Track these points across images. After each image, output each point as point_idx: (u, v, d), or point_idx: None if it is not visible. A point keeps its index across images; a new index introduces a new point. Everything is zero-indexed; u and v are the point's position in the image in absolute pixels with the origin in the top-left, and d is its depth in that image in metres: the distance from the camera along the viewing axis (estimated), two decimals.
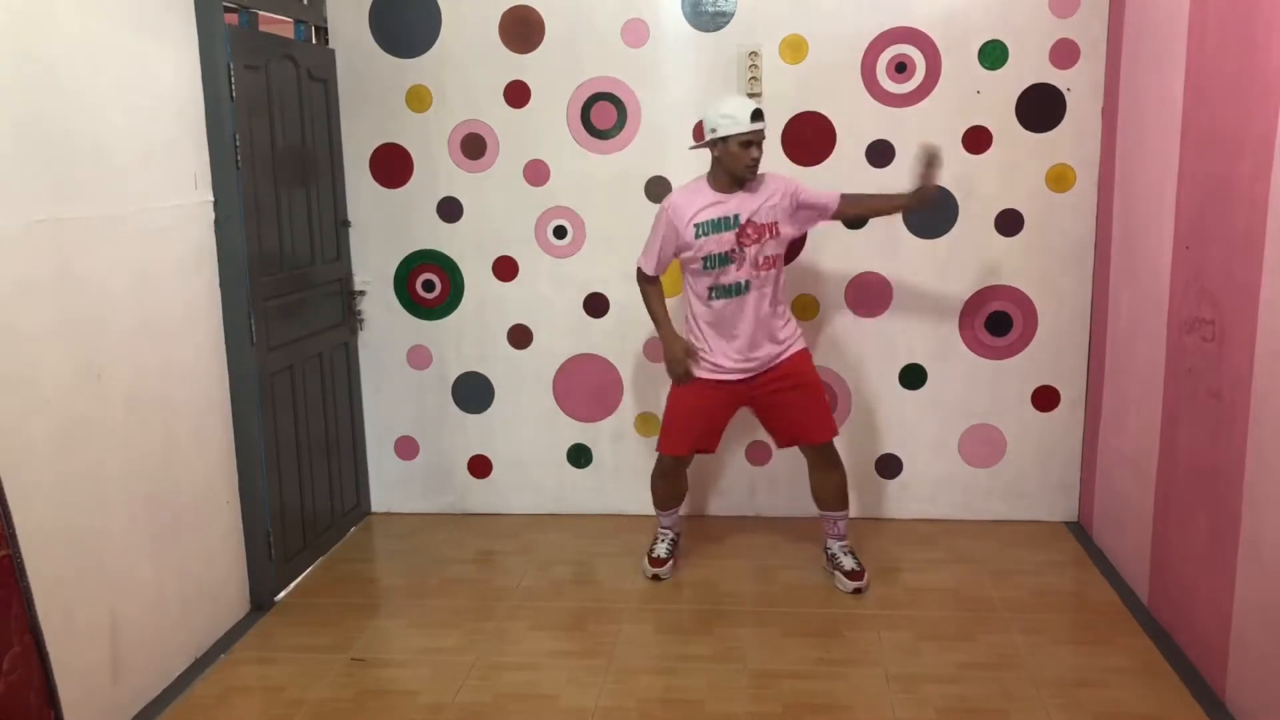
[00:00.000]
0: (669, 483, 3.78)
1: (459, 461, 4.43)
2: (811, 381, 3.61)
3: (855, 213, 3.66)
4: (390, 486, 4.48)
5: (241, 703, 3.03)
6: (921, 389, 4.18)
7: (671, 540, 3.85)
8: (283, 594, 3.71)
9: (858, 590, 3.61)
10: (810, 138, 4.01)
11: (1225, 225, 2.83)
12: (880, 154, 3.99)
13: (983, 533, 4.13)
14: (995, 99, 3.92)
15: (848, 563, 3.69)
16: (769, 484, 4.32)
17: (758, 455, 4.30)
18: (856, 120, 3.98)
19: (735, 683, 3.06)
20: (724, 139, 3.36)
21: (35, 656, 2.23)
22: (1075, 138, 3.92)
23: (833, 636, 3.32)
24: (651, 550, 3.83)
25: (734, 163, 3.38)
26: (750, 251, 3.44)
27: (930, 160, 3.42)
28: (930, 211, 3.90)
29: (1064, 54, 3.87)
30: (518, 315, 4.28)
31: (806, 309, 4.15)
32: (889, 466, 4.26)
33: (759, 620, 3.45)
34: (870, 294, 4.12)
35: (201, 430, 3.28)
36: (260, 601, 3.59)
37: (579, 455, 4.37)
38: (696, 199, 3.47)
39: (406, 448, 4.43)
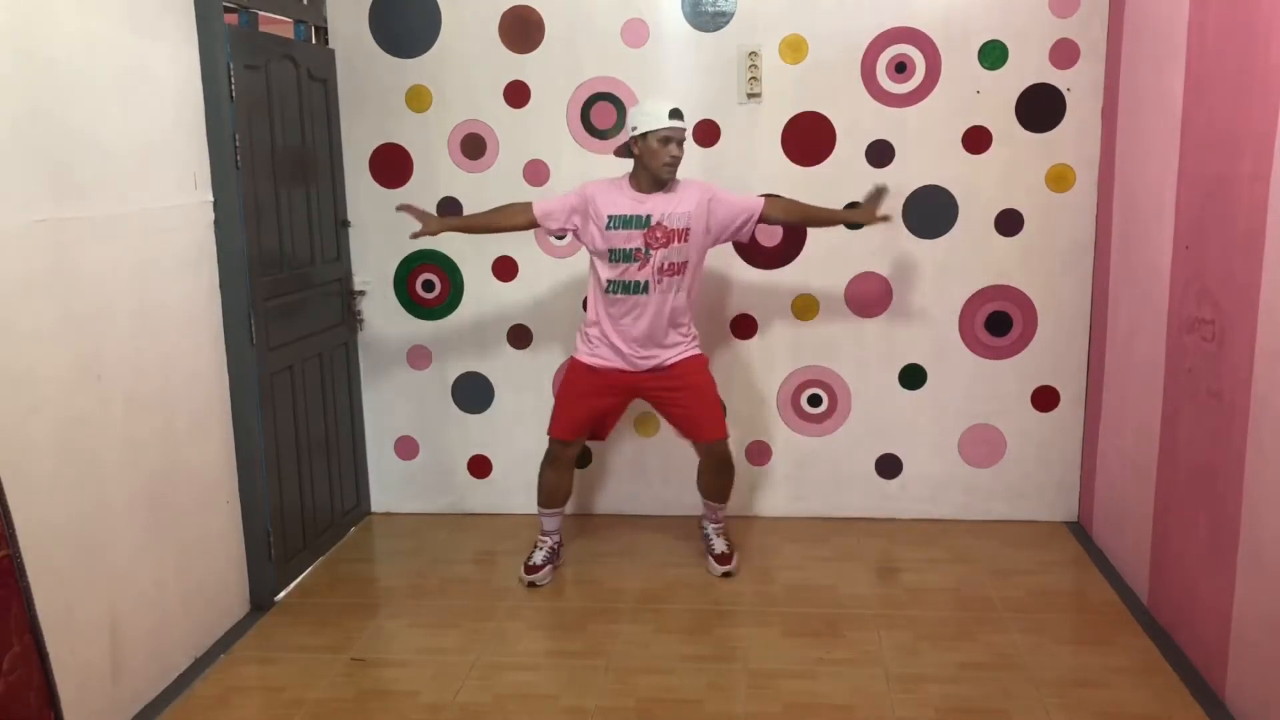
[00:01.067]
0: (555, 472, 3.76)
1: (459, 461, 4.43)
2: (700, 383, 3.65)
3: (783, 219, 3.66)
4: (390, 486, 4.48)
5: (241, 703, 3.03)
6: (921, 389, 4.18)
7: (550, 549, 3.82)
8: (283, 594, 3.70)
9: (726, 574, 3.74)
10: (810, 138, 4.01)
11: (1225, 225, 2.83)
12: (880, 154, 3.99)
13: (983, 533, 4.13)
14: (995, 99, 3.92)
15: (719, 545, 3.82)
16: (769, 484, 4.32)
17: (758, 455, 4.30)
18: (856, 120, 3.98)
19: (735, 683, 3.06)
20: (643, 135, 3.42)
21: (35, 656, 2.23)
22: (1075, 138, 3.92)
23: (833, 636, 3.32)
24: (529, 557, 3.80)
25: (653, 160, 3.43)
26: (656, 255, 3.47)
27: (879, 194, 3.54)
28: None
29: (1064, 54, 3.87)
30: (518, 315, 4.28)
31: (807, 309, 4.15)
32: (889, 466, 4.26)
33: (759, 620, 3.45)
34: (870, 294, 4.12)
35: (201, 430, 3.28)
36: (260, 601, 3.58)
37: (579, 455, 4.36)
38: (616, 194, 3.52)
39: (406, 448, 4.43)
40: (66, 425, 2.64)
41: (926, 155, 3.98)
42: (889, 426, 4.22)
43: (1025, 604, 3.52)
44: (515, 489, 4.41)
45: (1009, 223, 4.02)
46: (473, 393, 4.36)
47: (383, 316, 4.31)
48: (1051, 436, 4.16)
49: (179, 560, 3.15)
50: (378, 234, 4.25)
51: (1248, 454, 2.70)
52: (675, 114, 3.42)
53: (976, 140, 3.96)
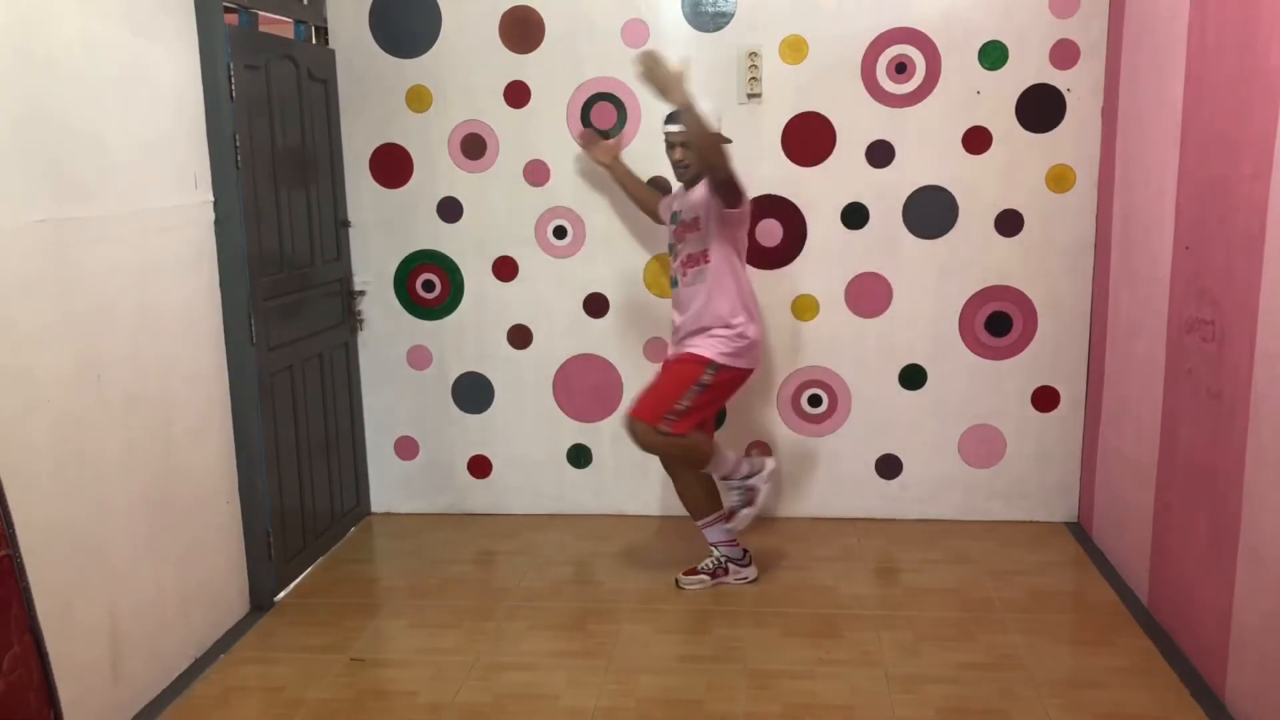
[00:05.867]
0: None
1: (459, 461, 4.43)
2: (673, 370, 3.49)
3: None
4: (390, 486, 4.48)
5: (241, 703, 3.03)
6: (921, 389, 4.18)
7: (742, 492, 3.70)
8: (283, 594, 3.70)
9: (676, 581, 3.68)
10: (810, 138, 4.01)
11: (1225, 225, 2.83)
12: (880, 154, 4.00)
13: (983, 533, 4.13)
14: (995, 99, 3.92)
15: (705, 561, 3.68)
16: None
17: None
18: (856, 120, 3.98)
19: (735, 683, 3.06)
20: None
21: (35, 657, 2.23)
22: (1075, 138, 3.93)
23: (833, 636, 3.32)
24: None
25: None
26: (680, 249, 3.50)
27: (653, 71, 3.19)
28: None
29: (1064, 54, 3.87)
30: (518, 315, 4.28)
31: (806, 309, 4.15)
32: (889, 466, 4.26)
33: (759, 620, 3.45)
34: (870, 294, 4.12)
35: (201, 430, 3.28)
36: (260, 602, 3.58)
37: (579, 455, 4.37)
38: (676, 192, 3.62)
39: (406, 448, 4.43)
40: (66, 425, 2.64)
41: (926, 155, 3.98)
42: (889, 426, 4.22)
43: (1025, 604, 3.52)
44: (515, 489, 4.42)
45: (1009, 223, 4.02)
46: (473, 393, 4.36)
47: (383, 316, 4.31)
48: (1051, 436, 4.16)
49: (179, 560, 3.15)
50: (378, 234, 4.25)
51: (1248, 454, 2.70)
52: (670, 118, 3.41)
53: (976, 140, 3.96)
